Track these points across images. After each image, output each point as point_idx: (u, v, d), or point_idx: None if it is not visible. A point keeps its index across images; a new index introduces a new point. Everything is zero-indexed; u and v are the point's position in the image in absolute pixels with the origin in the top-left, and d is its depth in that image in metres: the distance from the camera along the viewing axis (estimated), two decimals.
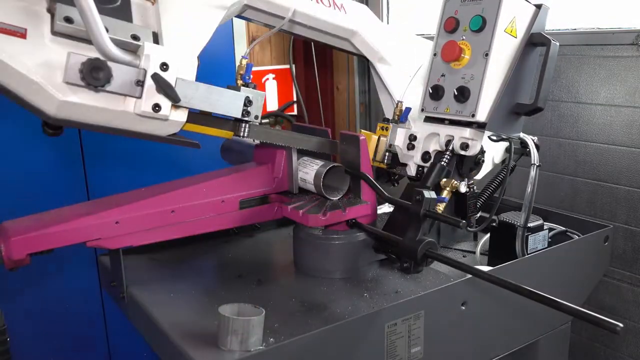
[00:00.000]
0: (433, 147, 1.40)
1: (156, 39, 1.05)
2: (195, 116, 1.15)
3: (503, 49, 1.28)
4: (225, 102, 1.15)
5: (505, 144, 1.41)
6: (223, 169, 1.39)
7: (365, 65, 2.89)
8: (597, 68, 1.88)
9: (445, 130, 1.36)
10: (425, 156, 1.41)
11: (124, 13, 1.01)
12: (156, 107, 1.03)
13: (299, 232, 1.36)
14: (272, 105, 2.99)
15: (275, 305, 1.17)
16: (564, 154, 2.01)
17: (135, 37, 1.00)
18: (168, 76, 1.01)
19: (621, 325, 0.81)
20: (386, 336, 1.11)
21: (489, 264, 1.47)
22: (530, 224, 1.41)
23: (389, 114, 1.53)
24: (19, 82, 0.93)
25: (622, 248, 1.87)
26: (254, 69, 1.45)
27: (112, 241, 1.17)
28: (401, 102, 1.45)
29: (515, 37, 1.30)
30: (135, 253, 1.43)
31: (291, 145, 1.34)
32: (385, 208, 1.62)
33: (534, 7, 1.32)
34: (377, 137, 1.48)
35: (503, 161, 1.47)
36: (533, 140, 1.42)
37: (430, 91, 1.36)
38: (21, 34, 0.92)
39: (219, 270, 1.43)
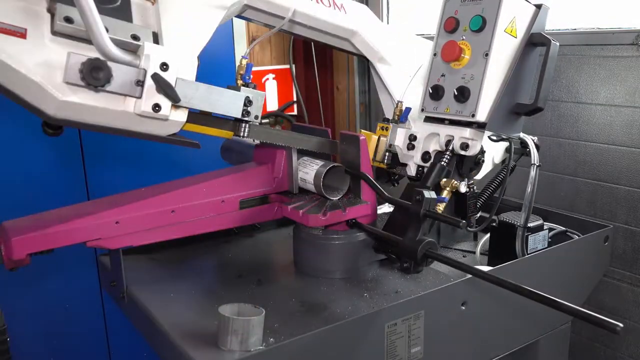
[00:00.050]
0: (433, 147, 1.40)
1: (156, 39, 1.05)
2: (195, 116, 1.14)
3: (503, 49, 1.28)
4: (225, 102, 1.15)
5: (505, 144, 1.41)
6: (223, 169, 1.39)
7: (365, 65, 2.89)
8: (597, 68, 1.88)
9: (445, 130, 1.36)
10: (425, 156, 1.41)
11: (124, 13, 1.01)
12: (156, 107, 1.03)
13: (299, 232, 1.36)
14: (272, 105, 2.99)
15: (275, 305, 1.17)
16: (564, 154, 2.01)
17: (135, 37, 1.01)
18: (168, 76, 1.01)
19: (621, 325, 0.81)
20: (386, 336, 1.11)
21: (489, 264, 1.47)
22: (530, 224, 1.41)
23: (389, 114, 1.53)
24: (19, 82, 0.93)
25: (622, 248, 1.87)
26: (254, 69, 1.45)
27: (112, 241, 1.17)
28: (401, 102, 1.45)
29: (515, 37, 1.30)
30: (135, 253, 1.43)
31: (291, 145, 1.34)
32: (385, 208, 1.62)
33: (534, 7, 1.32)
34: (377, 137, 1.48)
35: (503, 161, 1.47)
36: (533, 140, 1.42)
37: (430, 91, 1.36)
38: (21, 34, 0.92)
39: (219, 270, 1.43)
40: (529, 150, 1.39)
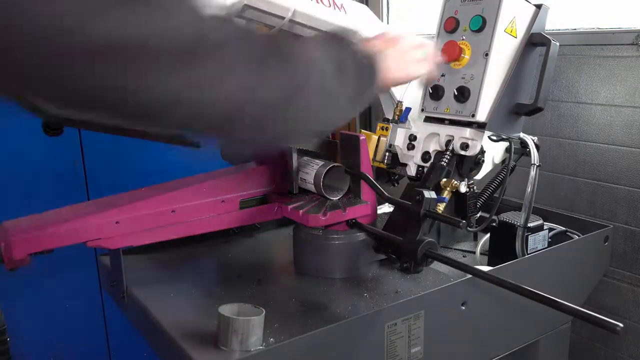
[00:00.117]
0: (433, 147, 1.40)
1: None
2: None
3: (503, 49, 1.28)
4: None
5: (505, 144, 1.41)
6: (223, 169, 1.39)
7: None
8: (597, 68, 1.88)
9: (445, 130, 1.36)
10: (425, 156, 1.41)
11: None
12: None
13: (299, 232, 1.36)
14: None
15: (275, 305, 1.17)
16: (564, 154, 2.01)
17: None
18: None
19: (621, 325, 0.81)
20: (386, 336, 1.11)
21: (489, 264, 1.47)
22: (530, 224, 1.40)
23: (389, 114, 1.53)
24: None
25: (622, 248, 1.87)
26: None
27: (112, 241, 1.17)
28: (401, 102, 1.45)
29: (515, 37, 1.30)
30: (135, 253, 1.43)
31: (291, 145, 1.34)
32: (385, 208, 1.62)
33: (534, 7, 1.32)
34: (377, 137, 1.48)
35: (503, 161, 1.47)
36: (533, 140, 1.42)
37: (430, 91, 1.36)
38: None
39: (219, 270, 1.43)
40: (529, 150, 1.39)
